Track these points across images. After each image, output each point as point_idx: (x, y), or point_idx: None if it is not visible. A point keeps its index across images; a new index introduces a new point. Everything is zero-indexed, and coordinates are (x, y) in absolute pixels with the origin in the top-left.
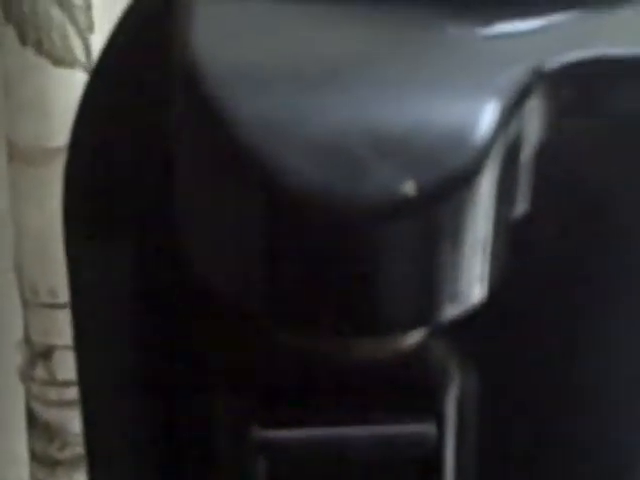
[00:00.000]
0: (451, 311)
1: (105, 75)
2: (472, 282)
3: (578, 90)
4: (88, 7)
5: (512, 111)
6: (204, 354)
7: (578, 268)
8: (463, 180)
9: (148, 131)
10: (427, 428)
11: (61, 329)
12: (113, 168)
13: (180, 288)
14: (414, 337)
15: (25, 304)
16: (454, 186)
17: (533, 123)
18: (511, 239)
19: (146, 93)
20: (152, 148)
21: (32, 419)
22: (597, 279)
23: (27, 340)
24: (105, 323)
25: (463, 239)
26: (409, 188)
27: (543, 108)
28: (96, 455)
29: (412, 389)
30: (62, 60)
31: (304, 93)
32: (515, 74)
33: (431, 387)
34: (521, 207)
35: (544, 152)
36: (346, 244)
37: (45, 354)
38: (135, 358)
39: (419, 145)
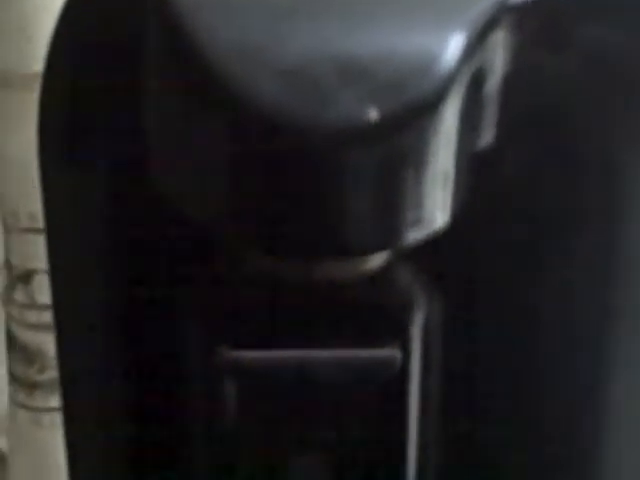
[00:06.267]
0: (414, 235)
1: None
2: (435, 208)
3: (545, 24)
4: None
5: (477, 42)
6: (175, 276)
7: (541, 197)
8: (426, 108)
9: (122, 56)
10: (392, 353)
11: (41, 253)
12: (87, 92)
13: (150, 212)
14: (378, 260)
15: (6, 229)
16: (417, 114)
17: (498, 55)
18: (476, 168)
19: (120, 19)
20: (126, 72)
21: (12, 342)
22: (559, 207)
23: (7, 264)
24: (77, 246)
25: (426, 166)
26: (372, 115)
27: (508, 40)
28: (68, 380)
29: (379, 314)
30: None
31: (274, 21)
32: (481, 6)
33: (397, 312)
34: (486, 137)
35: (509, 84)
36: (311, 168)
37: (25, 278)
38: (106, 281)
39: (384, 73)
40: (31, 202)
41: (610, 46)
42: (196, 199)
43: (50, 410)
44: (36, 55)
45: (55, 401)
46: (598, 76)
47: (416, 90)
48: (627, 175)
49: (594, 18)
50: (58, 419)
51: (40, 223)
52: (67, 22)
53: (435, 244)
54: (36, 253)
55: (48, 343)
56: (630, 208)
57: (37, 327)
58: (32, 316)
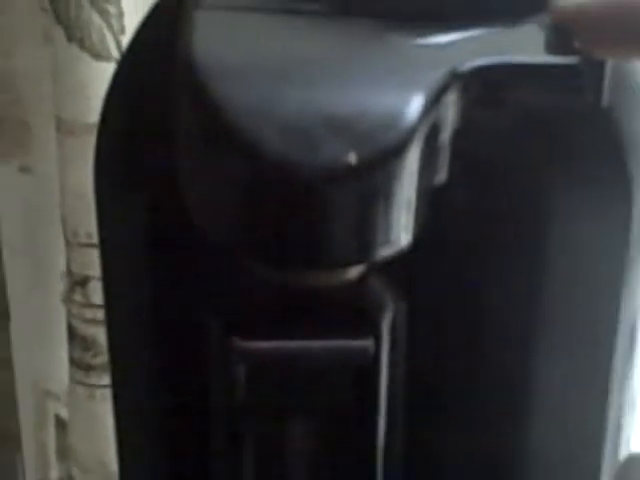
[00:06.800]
0: (383, 252)
1: (127, 66)
2: (400, 230)
3: (485, 89)
4: (120, 14)
5: (433, 102)
6: (201, 285)
7: (484, 225)
8: (393, 154)
9: (161, 109)
10: (367, 344)
11: (95, 263)
12: (132, 139)
13: (182, 232)
14: (355, 271)
15: (67, 244)
16: (386, 158)
17: (450, 112)
18: (433, 199)
19: (158, 82)
20: (163, 123)
21: (72, 333)
22: (497, 231)
23: (69, 272)
24: (123, 258)
25: (393, 197)
26: (351, 159)
27: (458, 101)
28: (116, 363)
29: (357, 314)
30: (99, 55)
31: (276, 85)
32: (436, 74)
33: (371, 312)
34: (441, 176)
35: (460, 134)
36: (304, 199)
37: (82, 283)
38: (146, 286)
39: (361, 126)
40: (88, 223)
41: (535, 105)
42: (214, 221)
43: (102, 387)
44: (91, 110)
45: (106, 379)
46: (526, 129)
47: (385, 140)
48: (550, 204)
49: (522, 84)
50: (108, 394)
51: (95, 240)
52: (116, 85)
53: (401, 259)
54: (91, 263)
55: (101, 334)
56: (553, 233)
57: (92, 322)
58: (88, 313)
